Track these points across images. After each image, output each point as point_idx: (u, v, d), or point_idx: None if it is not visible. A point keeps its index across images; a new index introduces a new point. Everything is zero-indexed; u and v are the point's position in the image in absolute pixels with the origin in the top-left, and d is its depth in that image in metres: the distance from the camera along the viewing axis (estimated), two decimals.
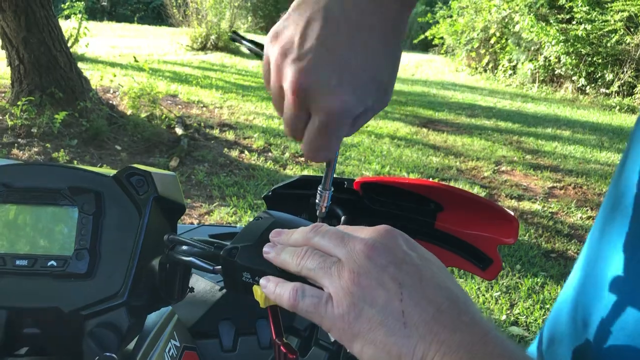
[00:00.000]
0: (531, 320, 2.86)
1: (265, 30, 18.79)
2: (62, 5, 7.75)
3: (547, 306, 2.98)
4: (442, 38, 15.38)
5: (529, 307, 2.97)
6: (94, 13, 15.54)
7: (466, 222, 0.65)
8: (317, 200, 0.63)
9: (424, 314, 0.40)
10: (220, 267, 0.56)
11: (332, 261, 0.45)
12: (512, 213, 0.63)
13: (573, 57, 10.69)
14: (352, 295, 0.42)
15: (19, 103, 4.60)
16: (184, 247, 0.64)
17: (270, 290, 0.48)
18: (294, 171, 4.64)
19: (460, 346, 0.38)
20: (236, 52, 11.92)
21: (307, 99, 0.50)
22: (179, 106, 6.47)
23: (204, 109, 6.56)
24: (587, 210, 4.45)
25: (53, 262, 0.64)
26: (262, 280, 0.49)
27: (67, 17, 7.68)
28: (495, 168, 5.43)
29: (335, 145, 0.53)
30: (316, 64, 0.49)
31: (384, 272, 0.42)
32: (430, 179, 4.82)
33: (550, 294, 3.12)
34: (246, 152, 5.02)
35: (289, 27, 0.51)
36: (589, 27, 10.18)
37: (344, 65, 0.49)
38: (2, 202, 0.66)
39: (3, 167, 0.68)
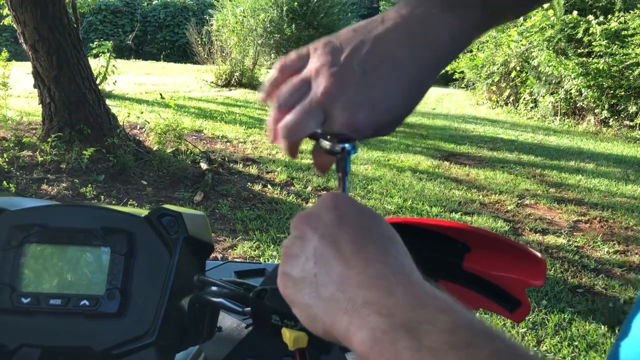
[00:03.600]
0: (559, 358, 2.78)
1: None
2: (91, 44, 8.01)
3: (576, 343, 2.90)
4: (462, 72, 15.45)
5: (556, 344, 2.89)
6: (121, 51, 15.99)
7: (494, 264, 0.65)
8: None
9: (332, 273, 0.42)
10: (249, 308, 0.57)
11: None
12: (540, 254, 0.63)
13: (595, 90, 10.63)
14: (283, 266, 0.46)
15: (49, 139, 4.72)
16: (214, 288, 0.65)
17: None
18: None
19: (367, 302, 0.39)
20: (259, 89, 12.13)
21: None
22: (204, 141, 6.58)
23: (228, 144, 6.66)
24: (614, 244, 4.36)
25: (85, 302, 0.65)
26: None
27: (96, 55, 7.92)
28: (519, 201, 5.37)
29: (307, 123, 0.51)
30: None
31: (303, 239, 0.45)
32: (454, 214, 4.78)
33: (578, 330, 3.04)
34: (269, 186, 5.06)
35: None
36: (609, 60, 10.15)
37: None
38: (38, 242, 0.68)
39: (40, 208, 0.71)
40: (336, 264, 0.42)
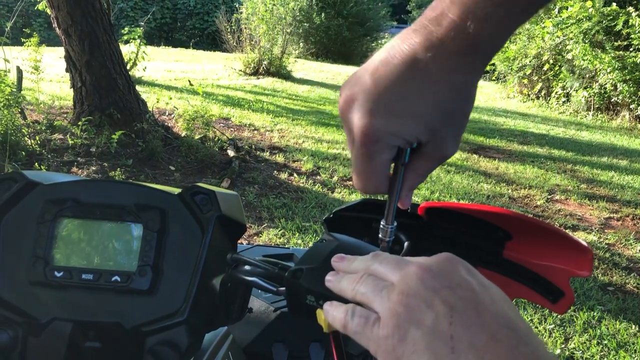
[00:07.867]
0: (588, 356, 2.73)
1: (315, 56, 19.00)
2: (122, 31, 8.08)
3: (605, 342, 2.84)
4: (493, 64, 15.18)
5: (585, 342, 2.84)
6: (151, 38, 16.12)
7: (536, 252, 0.62)
8: (379, 235, 0.58)
9: (476, 340, 0.38)
10: (284, 288, 0.56)
11: (385, 284, 0.44)
12: (586, 244, 0.60)
13: (631, 85, 10.33)
14: (398, 316, 0.41)
15: (79, 123, 4.78)
16: (247, 267, 0.64)
17: (327, 311, 0.49)
18: (342, 194, 4.64)
19: None
20: (287, 77, 12.11)
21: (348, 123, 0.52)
22: (231, 129, 6.60)
23: (255, 132, 6.67)
24: None
25: (117, 278, 0.65)
26: (325, 306, 0.49)
27: (127, 42, 7.99)
28: (549, 197, 5.28)
29: (377, 172, 0.52)
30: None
31: (435, 295, 0.40)
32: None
33: (608, 329, 2.97)
34: (295, 174, 5.06)
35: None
36: None
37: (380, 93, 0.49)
38: (71, 216, 0.67)
39: (74, 183, 0.70)
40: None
